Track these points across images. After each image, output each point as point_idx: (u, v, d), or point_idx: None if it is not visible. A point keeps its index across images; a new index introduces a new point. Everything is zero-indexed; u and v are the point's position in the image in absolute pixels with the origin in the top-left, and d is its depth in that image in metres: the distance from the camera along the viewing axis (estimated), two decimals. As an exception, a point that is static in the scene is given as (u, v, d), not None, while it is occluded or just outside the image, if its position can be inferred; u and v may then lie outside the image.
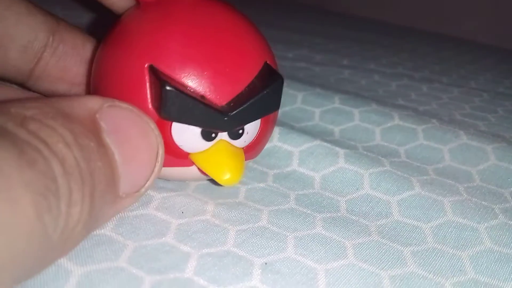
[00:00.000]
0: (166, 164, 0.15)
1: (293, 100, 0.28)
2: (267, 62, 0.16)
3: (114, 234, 0.15)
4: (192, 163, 0.16)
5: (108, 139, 0.13)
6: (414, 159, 0.23)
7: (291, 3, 0.68)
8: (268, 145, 0.22)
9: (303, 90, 0.29)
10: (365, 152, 0.22)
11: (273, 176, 0.20)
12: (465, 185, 0.20)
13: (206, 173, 0.16)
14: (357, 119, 0.26)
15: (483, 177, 0.22)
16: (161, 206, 0.16)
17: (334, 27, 0.54)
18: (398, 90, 0.34)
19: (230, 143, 0.16)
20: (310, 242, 0.16)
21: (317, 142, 0.22)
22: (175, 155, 0.16)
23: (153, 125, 0.14)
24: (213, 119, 0.15)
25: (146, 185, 0.14)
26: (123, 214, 0.16)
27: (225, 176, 0.16)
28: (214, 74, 0.15)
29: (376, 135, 0.25)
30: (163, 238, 0.15)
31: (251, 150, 0.17)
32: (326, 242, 0.16)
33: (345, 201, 0.19)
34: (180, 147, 0.16)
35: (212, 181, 0.18)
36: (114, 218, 0.15)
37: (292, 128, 0.24)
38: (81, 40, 0.19)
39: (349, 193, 0.20)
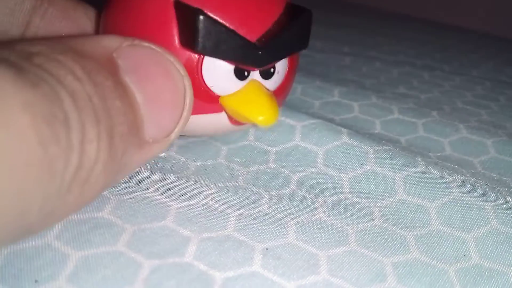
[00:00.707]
0: (194, 111, 0.14)
1: (292, 91, 0.27)
2: (288, 1, 0.16)
3: (112, 217, 0.14)
4: (221, 109, 0.15)
5: (128, 78, 0.12)
6: (415, 147, 0.22)
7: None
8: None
9: (302, 82, 0.28)
10: (367, 135, 0.22)
11: (274, 154, 0.20)
12: (469, 170, 0.20)
13: (240, 115, 0.15)
14: (357, 111, 0.26)
15: (485, 167, 0.21)
16: (160, 189, 0.16)
17: (334, 14, 0.53)
18: (399, 77, 0.33)
19: (262, 84, 0.15)
20: (311, 228, 0.16)
21: (320, 120, 0.22)
22: (205, 99, 0.15)
23: (178, 65, 0.13)
24: (248, 53, 0.14)
25: (176, 129, 0.13)
26: (122, 196, 0.15)
27: (262, 116, 0.15)
28: (243, 9, 0.14)
29: (376, 125, 0.24)
30: (163, 222, 0.15)
31: (279, 94, 0.17)
32: (327, 228, 0.16)
33: (349, 179, 0.19)
34: (210, 88, 0.15)
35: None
36: (112, 200, 0.15)
37: (292, 109, 0.23)
38: (71, 3, 0.19)
39: (353, 169, 0.19)
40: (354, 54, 0.38)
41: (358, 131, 0.23)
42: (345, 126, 0.22)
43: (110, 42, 0.12)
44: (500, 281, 0.15)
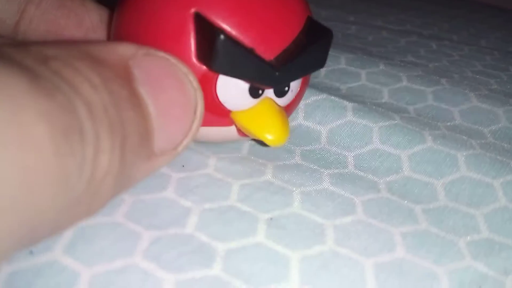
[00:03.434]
0: (204, 123, 0.14)
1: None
2: (309, 16, 0.15)
3: (110, 187, 0.14)
4: (231, 123, 0.15)
5: (142, 89, 0.12)
6: (424, 116, 0.22)
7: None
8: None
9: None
10: (374, 107, 0.21)
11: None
12: (478, 141, 0.19)
13: (250, 132, 0.15)
14: (364, 79, 0.25)
15: (496, 136, 0.21)
16: (160, 159, 0.16)
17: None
18: (407, 47, 0.32)
19: (275, 101, 0.15)
20: (317, 197, 0.15)
21: (324, 95, 0.21)
22: (216, 113, 0.15)
23: (191, 77, 0.13)
24: (265, 73, 0.14)
25: (184, 142, 0.13)
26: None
27: (272, 135, 0.15)
28: (262, 26, 0.14)
29: (384, 93, 0.24)
30: (163, 193, 0.14)
31: (289, 109, 0.16)
32: (333, 197, 0.15)
33: (353, 156, 0.18)
34: (223, 103, 0.14)
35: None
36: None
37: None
38: None
39: (358, 147, 0.19)
40: (360, 23, 0.37)
41: (364, 101, 0.22)
42: (351, 96, 0.22)
43: (125, 50, 0.12)
44: (512, 254, 0.14)
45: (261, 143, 0.16)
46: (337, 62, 0.26)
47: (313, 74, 0.25)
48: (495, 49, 0.35)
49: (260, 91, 0.15)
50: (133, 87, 0.12)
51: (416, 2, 0.48)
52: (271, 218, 0.14)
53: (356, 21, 0.37)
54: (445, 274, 0.13)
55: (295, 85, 0.16)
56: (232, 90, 0.14)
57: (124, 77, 0.11)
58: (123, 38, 0.15)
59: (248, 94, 0.14)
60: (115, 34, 0.15)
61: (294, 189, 0.15)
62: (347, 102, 0.21)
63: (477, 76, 0.28)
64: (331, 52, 0.27)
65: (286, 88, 0.15)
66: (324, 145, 0.19)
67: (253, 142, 0.18)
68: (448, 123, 0.21)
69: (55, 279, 0.11)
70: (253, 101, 0.15)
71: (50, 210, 0.09)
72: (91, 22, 0.18)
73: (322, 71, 0.25)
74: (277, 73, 0.14)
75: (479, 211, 0.16)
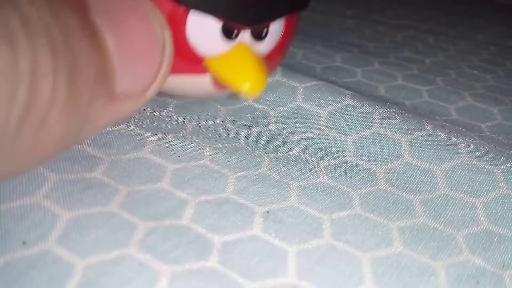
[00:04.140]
0: (174, 69, 0.13)
1: (292, 56, 0.26)
2: None
3: (105, 177, 0.14)
4: (205, 71, 0.14)
5: (98, 19, 0.11)
6: (421, 110, 0.22)
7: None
8: (270, 80, 0.20)
9: (302, 47, 0.27)
10: (372, 97, 0.21)
11: (275, 116, 0.19)
12: (477, 134, 0.19)
13: (224, 80, 0.14)
14: (360, 76, 0.25)
15: (493, 131, 0.21)
16: (156, 149, 0.15)
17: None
18: (403, 41, 0.32)
19: (251, 48, 0.14)
20: (314, 191, 0.15)
21: (322, 82, 0.21)
22: (188, 58, 0.13)
23: (157, 13, 0.12)
24: (239, 10, 0.13)
25: (154, 85, 0.12)
26: (115, 157, 0.15)
27: (246, 84, 0.13)
28: None
29: (380, 89, 0.24)
30: (158, 184, 0.14)
31: (271, 60, 0.15)
32: (331, 191, 0.15)
33: (352, 141, 0.18)
34: (194, 46, 0.13)
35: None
36: (105, 161, 0.14)
37: (292, 70, 0.22)
38: None
39: (357, 131, 0.18)
40: (357, 17, 0.36)
41: (362, 93, 0.22)
42: (348, 88, 0.22)
43: None
44: (510, 247, 0.14)
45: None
46: (332, 60, 0.26)
47: (308, 68, 0.25)
48: (492, 44, 0.35)
49: (235, 32, 0.14)
50: (87, 16, 0.11)
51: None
52: (267, 211, 0.14)
53: (353, 15, 0.37)
54: (442, 269, 0.13)
55: (275, 29, 0.14)
56: (203, 30, 0.13)
57: (77, 4, 0.10)
58: None
59: (221, 35, 0.13)
60: None
61: (291, 182, 0.15)
62: (345, 90, 0.20)
63: (474, 72, 0.28)
64: (326, 50, 0.27)
65: (265, 31, 0.14)
66: (323, 129, 0.18)
67: (249, 133, 0.18)
68: (445, 117, 0.21)
69: (49, 270, 0.11)
70: (227, 44, 0.14)
71: None
72: None
73: (318, 67, 0.25)
74: (252, 9, 0.13)
75: (479, 200, 0.16)
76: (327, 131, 0.18)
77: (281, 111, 0.19)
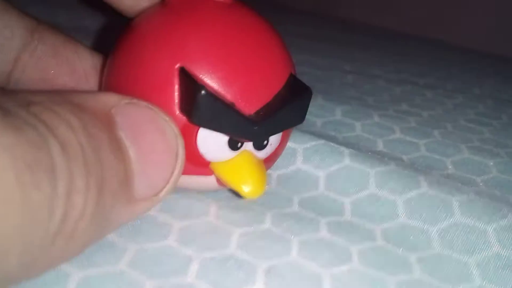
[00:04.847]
0: (185, 172, 0.14)
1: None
2: (292, 73, 0.16)
3: (115, 237, 0.14)
4: (211, 173, 0.16)
5: (122, 134, 0.12)
6: (418, 165, 0.22)
7: (289, 10, 0.68)
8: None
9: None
10: (369, 153, 0.22)
11: (276, 178, 0.20)
12: (472, 188, 0.20)
13: (228, 183, 0.15)
14: (359, 130, 0.26)
15: (488, 184, 0.21)
16: (163, 208, 0.16)
17: (334, 32, 0.53)
18: (402, 95, 0.33)
19: (253, 154, 0.16)
20: (314, 246, 0.16)
21: (322, 141, 0.22)
22: (196, 163, 0.15)
23: (173, 125, 0.13)
24: (244, 128, 0.14)
25: (166, 188, 0.13)
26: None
27: (248, 188, 0.15)
28: (244, 81, 0.14)
29: (378, 143, 0.24)
30: (165, 241, 0.15)
31: (269, 161, 0.17)
32: (331, 246, 0.16)
33: (350, 202, 0.19)
34: (203, 154, 0.15)
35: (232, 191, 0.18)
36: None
37: (294, 129, 0.23)
38: (62, 40, 0.19)
39: (355, 192, 0.19)
40: (357, 72, 0.38)
41: (360, 149, 0.23)
42: (347, 145, 0.23)
43: (109, 99, 0.13)
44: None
45: (239, 195, 0.16)
46: (332, 114, 0.27)
47: (310, 124, 0.26)
48: (488, 97, 0.36)
49: (239, 144, 0.15)
50: (114, 132, 0.12)
51: (412, 51, 0.50)
52: (269, 267, 0.14)
53: (353, 70, 0.38)
54: (439, 323, 0.13)
55: (274, 139, 0.16)
56: (211, 143, 0.15)
57: (105, 122, 0.12)
58: (112, 87, 0.16)
59: (227, 147, 0.15)
60: (106, 82, 0.16)
61: (292, 237, 0.16)
62: (344, 148, 0.21)
63: (470, 125, 0.29)
64: (327, 104, 0.28)
65: (265, 142, 0.16)
66: (322, 190, 0.19)
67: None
68: (442, 172, 0.22)
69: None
70: (232, 153, 0.15)
71: (16, 242, 0.09)
72: (84, 70, 0.19)
73: (318, 122, 0.26)
74: (255, 127, 0.14)
75: (472, 259, 0.16)
76: (326, 192, 0.19)
77: (282, 174, 0.20)
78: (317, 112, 0.27)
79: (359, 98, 0.31)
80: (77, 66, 0.18)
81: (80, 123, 0.11)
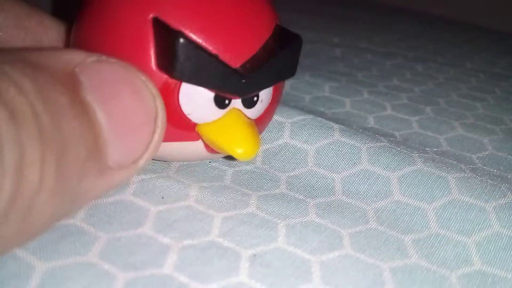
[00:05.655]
0: (167, 138, 0.13)
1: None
2: (278, 24, 0.15)
3: (85, 224, 0.13)
4: (198, 137, 0.14)
5: (89, 97, 0.11)
6: (411, 141, 0.21)
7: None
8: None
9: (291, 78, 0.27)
10: (361, 130, 0.21)
11: (262, 153, 0.19)
12: (468, 166, 0.19)
13: (218, 146, 0.14)
14: (349, 107, 0.25)
15: (484, 162, 0.20)
16: (139, 191, 0.15)
17: (321, 5, 0.52)
18: (392, 69, 0.32)
19: (243, 113, 0.14)
20: (303, 230, 0.14)
21: (310, 116, 0.20)
22: (180, 126, 0.14)
23: (150, 84, 0.12)
24: (231, 81, 0.13)
25: (146, 155, 0.12)
26: (96, 201, 0.14)
27: (242, 149, 0.14)
28: (227, 31, 0.13)
29: (369, 120, 0.23)
30: (140, 229, 0.13)
31: (261, 122, 0.16)
32: (320, 230, 0.15)
33: (341, 179, 0.17)
34: (187, 115, 0.14)
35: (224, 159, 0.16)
36: (86, 206, 0.14)
37: (280, 103, 0.22)
38: (25, 11, 0.17)
39: (345, 168, 0.18)
40: (345, 45, 0.36)
41: (351, 125, 0.22)
42: (337, 120, 0.21)
43: (72, 57, 0.11)
44: None
45: (231, 158, 0.15)
46: (321, 90, 0.26)
47: (297, 100, 0.25)
48: (481, 71, 0.35)
49: (227, 101, 0.14)
50: (78, 94, 0.11)
51: (401, 24, 0.48)
52: (254, 255, 0.13)
53: (341, 43, 0.37)
54: (437, 313, 0.12)
55: (265, 95, 0.15)
56: (195, 100, 0.13)
57: (67, 84, 0.11)
58: (77, 47, 0.14)
59: (213, 104, 0.14)
60: (71, 44, 0.15)
61: (279, 221, 0.15)
62: (334, 123, 0.20)
63: (464, 100, 0.28)
64: (315, 80, 0.27)
65: (255, 98, 0.14)
66: (311, 167, 0.18)
67: (236, 170, 0.17)
68: (436, 149, 0.21)
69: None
70: (219, 112, 0.14)
71: None
72: (50, 42, 0.17)
73: (306, 97, 0.25)
74: (243, 81, 0.13)
75: (471, 239, 0.15)
76: (315, 168, 0.18)
77: (268, 148, 0.19)
78: (305, 88, 0.26)
79: (348, 74, 0.30)
80: (43, 38, 0.17)
81: (34, 86, 0.10)
